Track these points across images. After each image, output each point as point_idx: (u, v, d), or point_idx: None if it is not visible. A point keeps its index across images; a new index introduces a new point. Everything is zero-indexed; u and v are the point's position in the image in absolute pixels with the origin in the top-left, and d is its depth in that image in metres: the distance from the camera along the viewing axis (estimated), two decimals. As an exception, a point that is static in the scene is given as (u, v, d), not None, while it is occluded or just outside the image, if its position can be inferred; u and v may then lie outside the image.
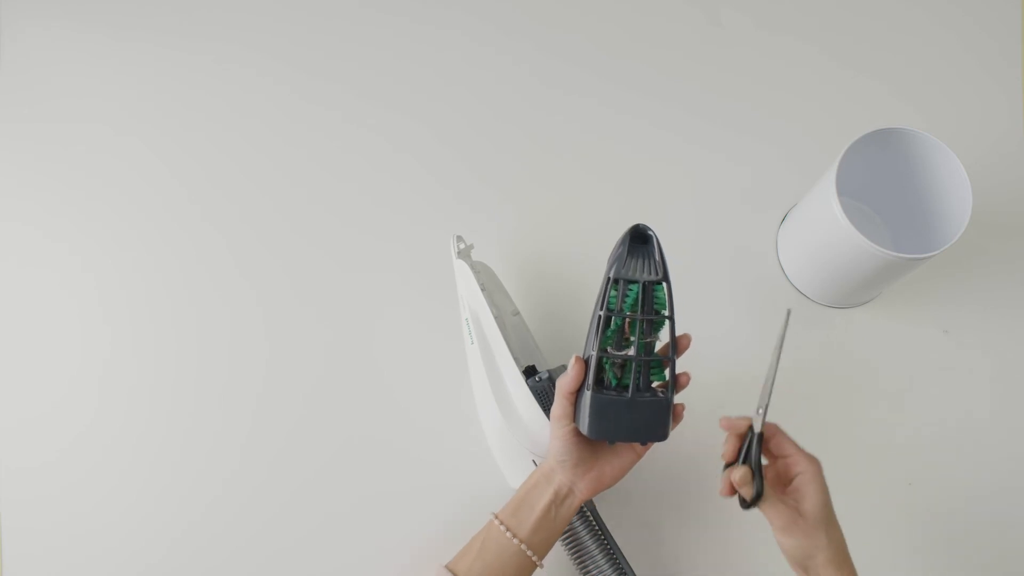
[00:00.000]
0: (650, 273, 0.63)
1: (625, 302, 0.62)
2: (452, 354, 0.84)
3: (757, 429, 0.65)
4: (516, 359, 0.74)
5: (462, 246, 0.80)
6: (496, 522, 0.68)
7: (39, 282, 0.89)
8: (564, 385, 0.65)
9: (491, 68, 0.95)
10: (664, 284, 0.62)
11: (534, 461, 0.75)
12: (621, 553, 0.76)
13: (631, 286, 0.62)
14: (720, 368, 0.86)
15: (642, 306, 0.62)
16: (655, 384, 0.65)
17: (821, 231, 0.79)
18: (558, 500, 0.67)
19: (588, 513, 0.76)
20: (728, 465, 0.66)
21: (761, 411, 0.65)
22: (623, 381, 0.65)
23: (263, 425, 0.85)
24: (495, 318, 0.74)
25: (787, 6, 0.98)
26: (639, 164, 0.93)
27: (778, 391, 0.85)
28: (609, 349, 0.64)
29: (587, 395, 0.64)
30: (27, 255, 0.89)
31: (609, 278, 0.63)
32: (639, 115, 0.94)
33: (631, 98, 0.95)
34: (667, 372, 0.65)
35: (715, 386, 0.85)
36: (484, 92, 0.95)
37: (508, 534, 0.67)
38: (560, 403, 0.65)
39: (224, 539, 0.82)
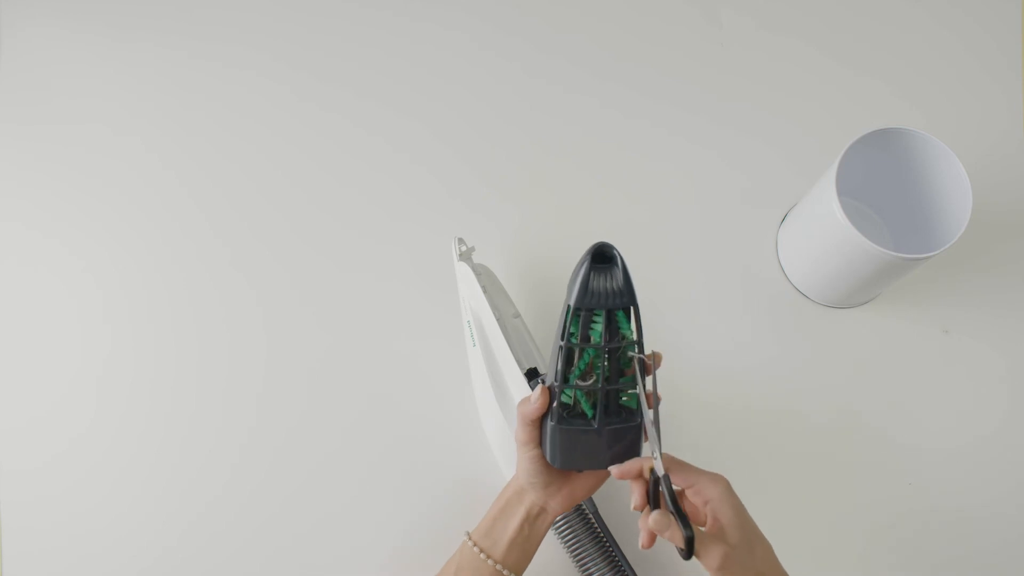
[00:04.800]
0: (614, 298, 0.57)
1: (591, 331, 0.58)
2: (453, 356, 0.84)
3: (660, 471, 0.59)
4: (519, 361, 0.74)
5: (463, 248, 0.80)
6: (470, 543, 0.67)
7: (39, 282, 0.89)
8: (527, 413, 0.62)
9: (492, 69, 0.95)
10: (629, 309, 0.58)
11: None
12: (622, 553, 0.76)
13: (595, 316, 0.58)
14: (720, 367, 0.86)
15: (606, 334, 0.58)
16: (624, 401, 0.62)
17: (821, 231, 0.79)
18: (530, 518, 0.67)
19: (589, 514, 0.76)
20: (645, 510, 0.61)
21: (657, 454, 0.59)
22: (590, 412, 0.62)
23: (263, 425, 0.85)
24: (497, 320, 0.74)
25: (787, 6, 0.98)
26: (639, 164, 0.93)
27: (778, 392, 0.86)
28: (575, 381, 0.61)
29: (550, 426, 0.61)
30: (27, 255, 0.89)
31: (569, 306, 0.58)
32: (639, 115, 0.94)
33: (632, 98, 0.94)
34: (637, 392, 0.61)
35: (717, 385, 0.85)
36: (484, 92, 0.95)
37: (482, 556, 0.66)
38: (524, 428, 0.63)
39: (224, 539, 0.82)
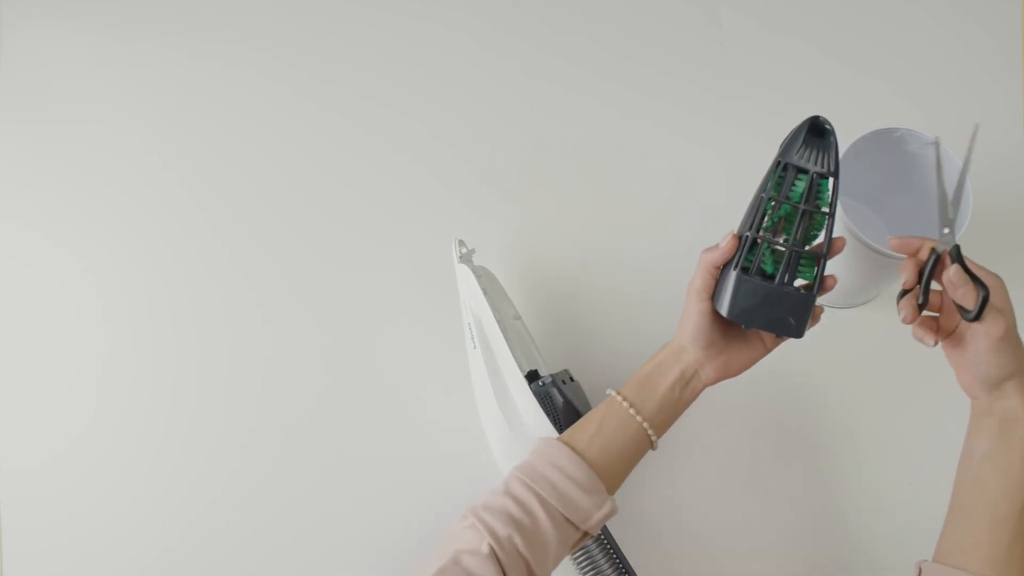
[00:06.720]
0: (821, 166, 0.61)
1: (793, 190, 0.61)
2: (454, 358, 0.84)
3: (951, 244, 0.61)
4: (519, 363, 0.74)
5: (464, 250, 0.80)
6: (618, 398, 0.65)
7: (39, 282, 0.89)
8: (712, 258, 0.62)
9: (492, 69, 0.95)
10: (832, 180, 0.61)
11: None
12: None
13: (800, 176, 0.61)
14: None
15: (806, 198, 0.61)
16: (798, 282, 0.63)
17: (821, 231, 0.78)
18: (683, 380, 0.65)
19: (604, 538, 0.75)
20: (905, 293, 0.62)
21: (947, 230, 0.62)
22: (771, 269, 0.63)
23: (264, 425, 0.85)
24: (497, 322, 0.74)
25: (787, 6, 0.98)
26: (639, 164, 0.92)
27: (778, 392, 0.86)
28: (765, 234, 0.62)
29: (733, 274, 0.62)
30: (27, 255, 0.89)
31: (778, 162, 0.62)
32: (639, 115, 0.94)
33: (632, 98, 0.94)
34: (816, 270, 0.63)
35: (717, 385, 0.85)
36: (484, 92, 0.95)
37: (631, 411, 0.64)
38: (702, 276, 0.63)
39: (224, 539, 0.82)
